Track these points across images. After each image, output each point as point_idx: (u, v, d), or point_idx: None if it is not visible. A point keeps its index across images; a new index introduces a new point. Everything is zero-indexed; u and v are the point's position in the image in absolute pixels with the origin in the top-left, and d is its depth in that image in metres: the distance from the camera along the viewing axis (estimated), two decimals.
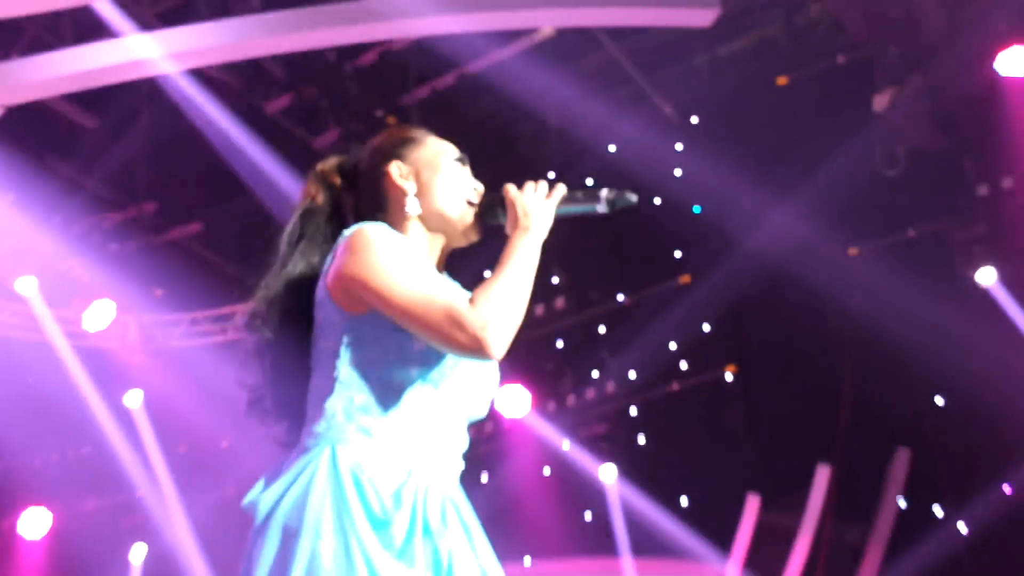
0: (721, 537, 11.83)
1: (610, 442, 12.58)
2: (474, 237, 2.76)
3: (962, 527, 10.92)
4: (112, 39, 9.47)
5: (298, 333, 2.66)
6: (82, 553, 13.57)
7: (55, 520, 13.34)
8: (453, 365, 2.61)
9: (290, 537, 2.36)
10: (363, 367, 2.53)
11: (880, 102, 10.66)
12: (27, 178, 10.92)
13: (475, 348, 2.42)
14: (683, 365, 12.49)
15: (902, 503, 11.34)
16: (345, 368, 2.53)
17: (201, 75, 10.51)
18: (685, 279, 11.96)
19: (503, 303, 2.48)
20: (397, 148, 2.80)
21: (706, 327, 12.41)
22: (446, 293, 2.48)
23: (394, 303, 2.46)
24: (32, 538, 13.27)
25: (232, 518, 11.26)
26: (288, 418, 2.72)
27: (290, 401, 2.69)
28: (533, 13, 9.98)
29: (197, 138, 11.03)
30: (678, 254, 12.06)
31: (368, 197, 2.79)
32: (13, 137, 10.15)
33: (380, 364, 2.53)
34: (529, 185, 2.71)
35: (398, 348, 2.51)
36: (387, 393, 2.52)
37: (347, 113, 11.57)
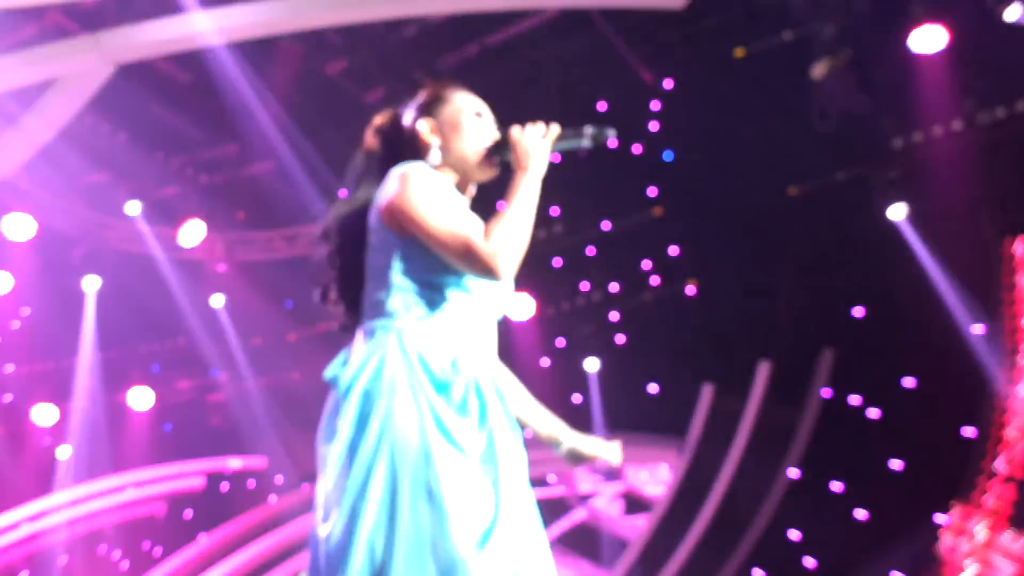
0: (682, 418, 12.10)
1: (595, 341, 12.70)
2: (491, 174, 2.78)
3: (873, 412, 11.30)
4: (192, 12, 9.40)
5: (357, 245, 2.71)
6: (177, 422, 13.91)
7: (156, 396, 13.57)
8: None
9: (369, 398, 2.44)
10: (413, 275, 2.58)
11: (817, 71, 10.65)
12: (136, 122, 10.99)
13: (487, 273, 2.51)
14: (654, 280, 12.58)
15: (826, 393, 11.58)
16: (399, 276, 2.58)
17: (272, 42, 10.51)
18: (658, 211, 11.98)
19: (509, 236, 2.52)
20: (429, 106, 2.82)
21: (673, 250, 12.42)
22: (466, 226, 2.53)
23: (425, 232, 2.53)
24: (139, 410, 13.53)
25: (295, 398, 11.59)
26: (348, 307, 2.79)
27: (351, 296, 2.75)
28: None
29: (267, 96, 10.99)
30: (652, 192, 12.03)
31: (408, 145, 2.80)
32: (126, 89, 10.12)
33: (426, 273, 2.58)
34: (529, 126, 2.71)
35: (438, 262, 2.57)
36: (433, 295, 2.58)
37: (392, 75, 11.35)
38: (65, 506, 12.71)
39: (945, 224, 11.00)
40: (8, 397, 12.75)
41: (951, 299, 10.92)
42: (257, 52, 10.37)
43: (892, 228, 11.14)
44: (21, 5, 9.19)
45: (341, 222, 2.82)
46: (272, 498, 13.61)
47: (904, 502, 11.11)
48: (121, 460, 13.43)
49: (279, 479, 13.57)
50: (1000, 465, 10.77)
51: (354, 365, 2.54)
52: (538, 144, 2.65)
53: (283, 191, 11.76)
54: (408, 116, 2.84)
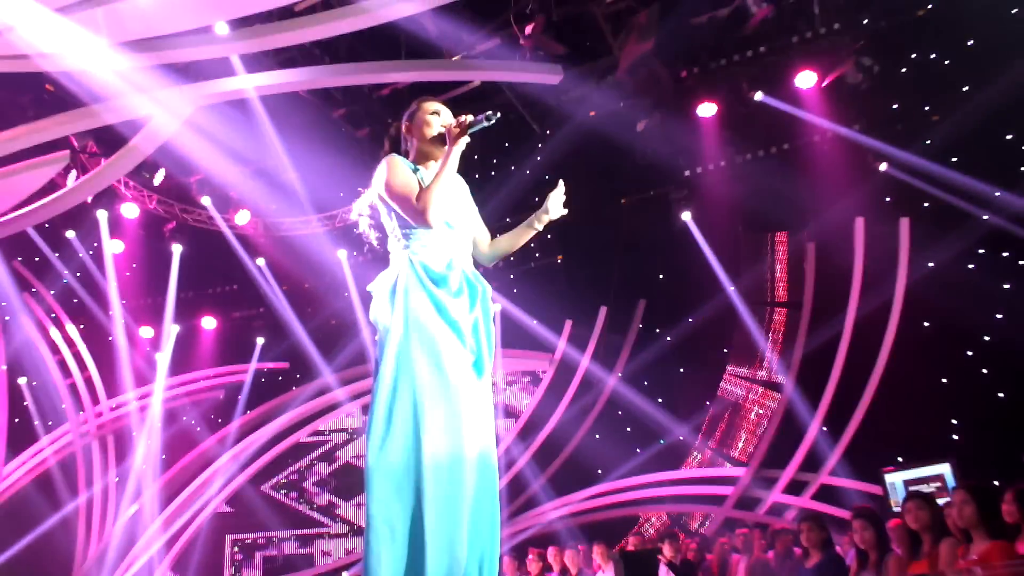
0: (552, 341, 12.53)
1: (498, 292, 11.86)
2: (444, 150, 2.68)
3: (669, 338, 12.01)
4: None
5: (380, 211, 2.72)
6: (232, 340, 14.31)
7: (218, 323, 14.26)
8: (459, 214, 2.72)
9: (393, 293, 2.46)
10: (404, 222, 2.62)
11: (640, 126, 11.07)
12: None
13: (422, 222, 2.53)
14: (537, 253, 12.77)
15: (639, 327, 12.29)
16: (396, 224, 2.64)
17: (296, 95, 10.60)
18: None
19: (432, 195, 2.52)
20: (409, 116, 2.84)
21: (549, 235, 12.37)
22: (410, 193, 2.53)
23: (391, 198, 2.60)
24: (207, 330, 14.21)
25: (307, 323, 12.09)
26: (381, 246, 2.78)
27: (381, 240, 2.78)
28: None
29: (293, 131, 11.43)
30: (537, 197, 12.30)
31: (400, 140, 2.87)
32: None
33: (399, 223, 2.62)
34: (464, 118, 2.69)
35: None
36: (420, 233, 2.58)
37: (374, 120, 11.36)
38: (162, 390, 13.10)
39: (714, 224, 11.94)
40: (123, 321, 12.94)
41: (717, 268, 11.79)
42: (287, 100, 10.61)
43: (683, 226, 12.02)
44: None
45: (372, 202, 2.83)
46: (293, 388, 13.93)
47: (687, 394, 12.07)
48: (196, 362, 13.92)
49: (297, 376, 13.98)
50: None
51: (383, 278, 2.57)
52: (456, 130, 2.66)
53: (298, 193, 12.26)
54: (399, 126, 2.90)
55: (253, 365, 13.80)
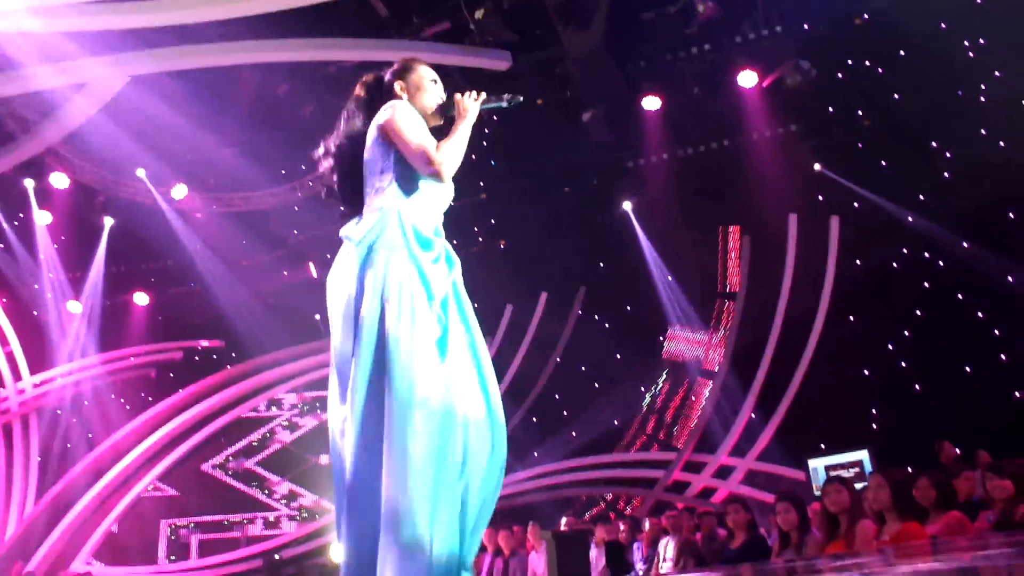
0: (493, 325, 12.41)
1: None
2: (438, 123, 2.61)
3: (605, 325, 12.61)
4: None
5: (355, 160, 2.56)
6: (166, 317, 13.81)
7: (151, 299, 13.78)
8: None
9: (374, 250, 2.35)
10: (402, 175, 2.45)
11: (586, 117, 11.20)
12: (145, 119, 10.60)
13: (436, 175, 2.40)
14: (480, 238, 12.91)
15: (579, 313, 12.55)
16: (392, 173, 2.45)
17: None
18: (483, 196, 12.21)
19: (452, 153, 2.42)
20: (401, 73, 2.65)
21: (492, 221, 12.86)
22: (428, 142, 2.41)
23: (403, 143, 2.43)
24: (140, 305, 13.77)
25: (245, 301, 11.77)
26: (346, 201, 2.62)
27: (348, 193, 2.61)
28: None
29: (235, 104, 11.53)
30: (481, 183, 12.13)
31: (385, 96, 2.62)
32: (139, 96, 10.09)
33: (412, 174, 2.45)
34: (468, 93, 2.59)
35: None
36: (416, 189, 2.46)
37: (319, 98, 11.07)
38: (89, 367, 12.83)
39: (654, 215, 12.22)
40: (49, 295, 12.59)
41: (653, 257, 12.17)
42: (229, 73, 10.42)
43: (625, 215, 12.36)
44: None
45: (340, 144, 2.65)
46: (227, 367, 13.68)
47: (623, 380, 12.21)
48: (126, 339, 13.50)
49: (232, 355, 13.73)
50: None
51: (365, 227, 2.41)
52: (471, 103, 2.57)
53: (241, 168, 12.00)
54: (388, 79, 2.67)
55: (188, 344, 13.64)
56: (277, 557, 12.16)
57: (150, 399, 13.39)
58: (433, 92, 2.64)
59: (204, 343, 13.82)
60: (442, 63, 9.94)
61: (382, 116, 2.50)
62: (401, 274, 2.31)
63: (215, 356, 13.90)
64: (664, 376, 12.20)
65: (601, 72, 11.16)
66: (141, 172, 11.88)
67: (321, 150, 2.69)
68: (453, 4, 9.86)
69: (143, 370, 13.67)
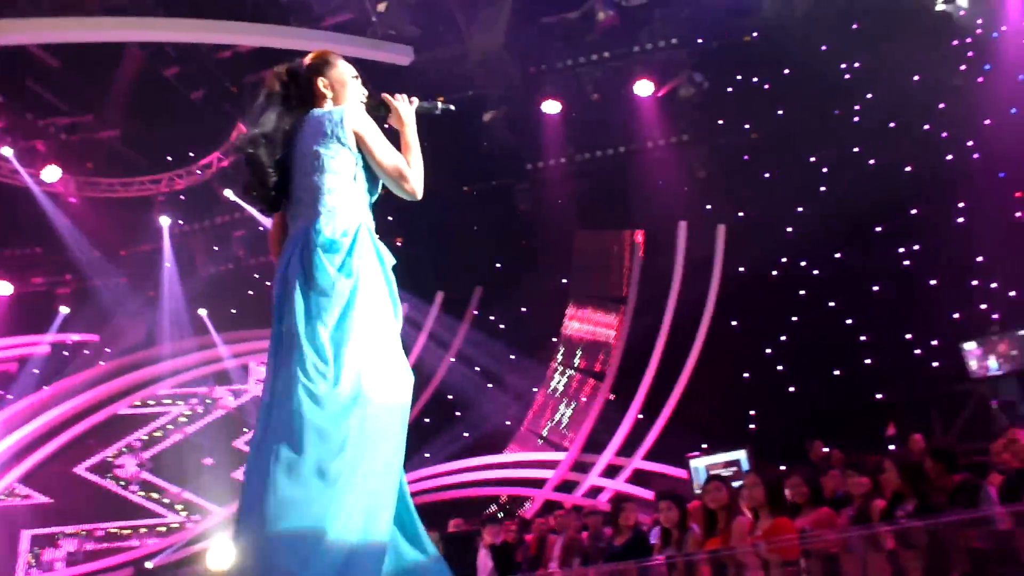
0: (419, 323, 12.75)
1: None
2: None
3: (502, 324, 12.55)
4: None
5: (282, 153, 2.46)
6: (31, 308, 12.87)
7: (14, 288, 12.71)
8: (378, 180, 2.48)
9: (351, 253, 2.28)
10: (366, 179, 2.40)
11: (487, 117, 11.45)
12: (15, 90, 10.18)
13: (411, 193, 2.40)
14: None
15: (475, 311, 12.55)
16: (349, 178, 2.37)
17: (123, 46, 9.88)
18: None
19: (420, 171, 2.42)
20: (321, 67, 2.55)
21: (389, 218, 12.82)
22: (403, 163, 2.40)
23: (375, 161, 2.38)
24: (2, 295, 12.67)
25: (119, 294, 11.09)
26: (271, 194, 2.47)
27: (275, 187, 2.46)
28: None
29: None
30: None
31: (306, 93, 2.54)
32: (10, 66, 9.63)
33: (372, 180, 2.42)
34: (399, 96, 2.58)
35: (374, 173, 2.41)
36: (372, 193, 2.43)
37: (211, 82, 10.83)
38: None
39: (551, 218, 12.29)
40: None
41: (545, 259, 12.33)
42: (112, 49, 9.89)
43: (522, 216, 12.32)
44: None
45: (269, 137, 2.46)
46: (101, 363, 12.93)
47: (516, 380, 12.32)
48: None
49: (107, 350, 13.02)
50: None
51: (336, 227, 2.32)
52: (407, 109, 2.56)
53: (123, 153, 11.48)
54: (305, 72, 2.57)
55: (53, 336, 12.82)
56: (149, 566, 11.52)
57: (9, 397, 12.49)
58: (356, 89, 2.59)
59: (75, 337, 12.99)
60: (344, 54, 9.89)
61: (340, 119, 2.40)
62: (371, 270, 2.30)
63: (88, 351, 13.06)
64: (556, 377, 12.33)
65: (502, 73, 11.23)
66: (7, 151, 11.05)
67: (242, 141, 2.51)
68: None
69: (3, 364, 12.72)
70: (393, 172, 2.41)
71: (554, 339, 12.41)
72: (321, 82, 2.55)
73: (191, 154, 12.04)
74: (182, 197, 12.45)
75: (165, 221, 12.55)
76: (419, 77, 10.78)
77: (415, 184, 2.43)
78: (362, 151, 2.41)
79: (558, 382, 12.32)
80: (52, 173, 11.34)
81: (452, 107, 2.66)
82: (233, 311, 12.93)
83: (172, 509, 12.46)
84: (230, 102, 11.33)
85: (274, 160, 2.44)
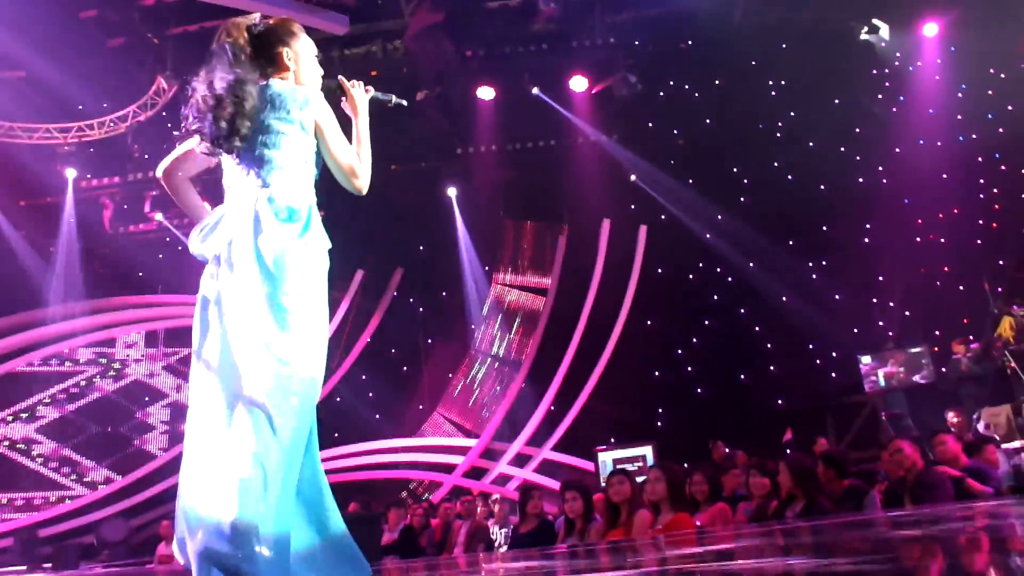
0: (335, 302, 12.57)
1: None
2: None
3: (420, 310, 12.73)
4: None
5: (239, 109, 2.29)
6: None
7: None
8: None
9: (300, 213, 2.25)
10: (309, 164, 2.33)
11: (419, 97, 11.48)
12: None
13: (358, 188, 2.38)
14: None
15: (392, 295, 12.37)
16: (302, 161, 2.31)
17: None
18: None
19: (369, 167, 2.40)
20: (286, 37, 2.45)
21: None
22: (355, 161, 2.38)
23: (330, 154, 2.35)
24: None
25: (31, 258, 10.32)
26: (219, 142, 2.30)
27: (229, 143, 2.30)
28: None
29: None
30: None
31: (266, 57, 2.40)
32: None
33: (316, 163, 2.34)
34: (356, 82, 2.53)
35: (319, 159, 2.35)
36: (311, 175, 2.35)
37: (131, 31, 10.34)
38: None
39: (478, 204, 12.41)
40: None
41: (468, 245, 12.33)
42: None
43: (448, 202, 12.41)
44: None
45: (232, 89, 2.29)
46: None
47: (432, 365, 12.30)
48: None
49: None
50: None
51: (287, 198, 2.27)
52: (363, 98, 2.50)
53: (28, 97, 10.78)
54: (270, 35, 2.44)
55: None
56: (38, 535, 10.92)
57: None
58: (314, 67, 2.50)
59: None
60: (276, 16, 9.67)
61: (305, 103, 2.32)
62: (319, 255, 2.27)
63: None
64: (471, 364, 12.36)
65: (439, 53, 11.11)
66: None
67: (202, 87, 2.32)
68: None
69: None
70: (346, 169, 2.37)
71: (472, 326, 12.40)
72: (286, 52, 2.44)
73: (104, 104, 11.41)
74: (91, 150, 11.80)
75: (71, 173, 11.87)
76: (353, 47, 10.84)
77: (363, 181, 2.40)
78: (318, 138, 2.36)
79: (474, 369, 12.32)
80: None
81: (405, 102, 2.61)
82: (140, 274, 12.35)
83: (69, 478, 11.80)
84: (152, 55, 10.85)
85: (231, 113, 2.29)
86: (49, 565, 9.95)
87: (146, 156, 11.81)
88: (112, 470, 11.71)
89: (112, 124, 11.49)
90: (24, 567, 9.81)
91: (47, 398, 12.01)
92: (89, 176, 12.18)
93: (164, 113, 11.26)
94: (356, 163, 2.39)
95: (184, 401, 11.76)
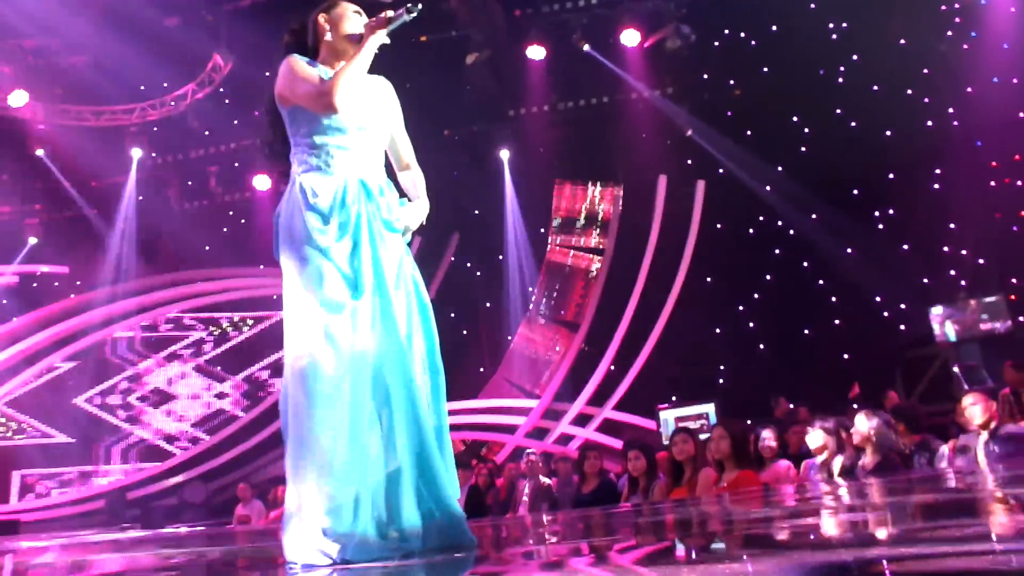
0: None
1: None
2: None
3: (478, 272, 12.75)
4: None
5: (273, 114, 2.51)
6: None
7: None
8: (375, 117, 2.51)
9: (278, 223, 2.42)
10: (301, 137, 2.43)
11: (469, 60, 11.38)
12: None
13: (328, 105, 2.33)
14: None
15: (451, 258, 12.79)
16: (293, 139, 2.44)
17: None
18: None
19: (344, 79, 2.33)
20: (324, 8, 2.57)
21: None
22: (315, 80, 2.37)
23: (293, 95, 2.39)
24: None
25: (92, 230, 10.78)
26: (273, 155, 2.58)
27: (273, 147, 2.57)
28: None
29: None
30: None
31: (312, 35, 2.55)
32: None
33: (309, 136, 2.41)
34: (373, 19, 2.46)
35: (316, 123, 2.41)
36: (318, 151, 2.40)
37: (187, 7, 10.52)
38: None
39: (531, 167, 12.27)
40: None
41: (519, 209, 12.29)
42: None
43: (501, 165, 12.34)
44: None
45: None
46: (72, 295, 12.67)
47: (491, 328, 12.45)
48: None
49: (77, 283, 12.73)
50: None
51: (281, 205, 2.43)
52: (376, 25, 2.44)
53: (93, 80, 11.07)
54: (312, 16, 2.60)
55: (25, 268, 12.50)
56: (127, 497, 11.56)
57: None
58: (355, 21, 2.54)
59: (44, 268, 12.65)
60: None
61: (278, 80, 2.45)
62: (297, 238, 2.36)
63: (57, 283, 12.78)
64: (530, 325, 12.37)
65: (488, 15, 11.04)
66: None
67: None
68: None
69: None
70: (305, 95, 2.39)
71: (531, 288, 12.39)
72: (322, 17, 2.57)
73: (164, 84, 11.67)
74: (155, 129, 12.12)
75: (136, 153, 12.24)
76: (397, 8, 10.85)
77: (332, 94, 2.34)
78: (287, 96, 2.43)
79: (532, 330, 12.34)
80: (19, 98, 10.98)
81: (419, 6, 2.48)
82: (207, 248, 12.71)
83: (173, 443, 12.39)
84: (206, 31, 11.01)
85: (269, 123, 2.57)
86: (136, 525, 10.46)
87: (206, 132, 12.06)
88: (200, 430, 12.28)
89: (172, 103, 11.75)
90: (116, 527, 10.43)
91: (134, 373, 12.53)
92: (154, 155, 12.53)
93: (222, 89, 11.49)
94: (315, 85, 2.37)
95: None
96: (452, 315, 12.11)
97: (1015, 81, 10.50)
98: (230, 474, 11.50)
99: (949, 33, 11.02)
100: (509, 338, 12.35)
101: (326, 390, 2.21)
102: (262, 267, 12.16)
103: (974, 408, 4.77)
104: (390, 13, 2.47)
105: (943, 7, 11.00)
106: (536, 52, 11.35)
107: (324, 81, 2.36)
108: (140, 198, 12.49)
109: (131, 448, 12.30)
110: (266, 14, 9.85)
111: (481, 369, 12.25)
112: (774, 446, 5.30)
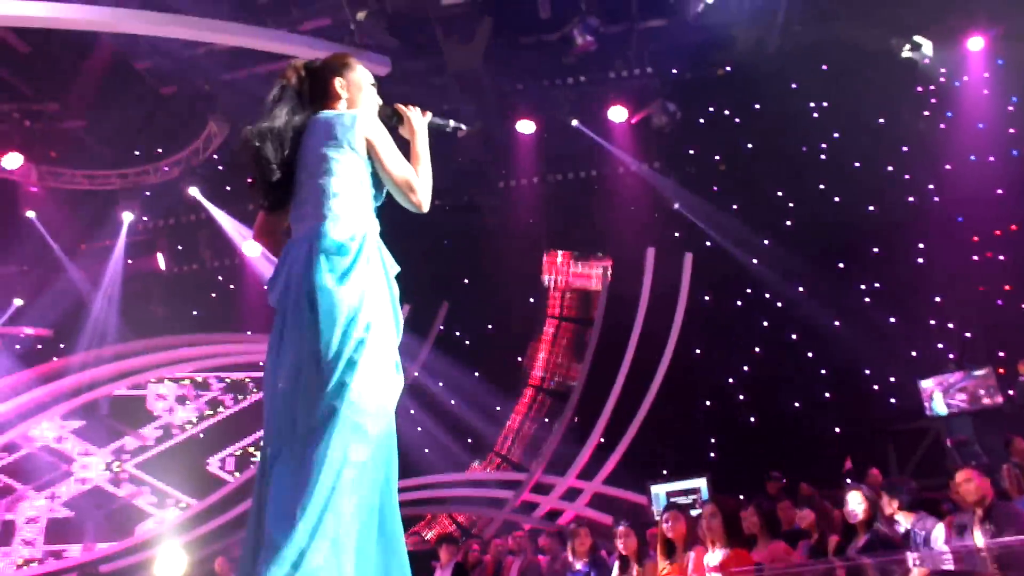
0: None
1: None
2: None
3: (465, 341, 12.61)
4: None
5: (291, 150, 2.35)
6: None
7: None
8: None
9: (350, 246, 2.19)
10: (365, 185, 2.29)
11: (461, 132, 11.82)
12: None
13: (418, 205, 2.36)
14: None
15: (440, 326, 12.58)
16: (356, 183, 2.28)
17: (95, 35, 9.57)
18: None
19: (429, 183, 2.39)
20: (340, 68, 2.49)
21: None
22: (412, 175, 2.35)
23: (385, 171, 2.31)
24: None
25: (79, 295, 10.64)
26: (274, 191, 2.36)
27: (280, 184, 2.33)
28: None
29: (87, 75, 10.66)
30: None
31: (320, 91, 2.46)
32: None
33: (373, 184, 2.32)
34: (412, 107, 2.54)
35: (380, 181, 2.32)
36: (369, 199, 2.33)
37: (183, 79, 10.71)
38: None
39: (520, 236, 12.15)
40: None
41: (511, 279, 11.94)
42: (83, 38, 9.58)
43: (492, 233, 12.08)
44: None
45: (277, 131, 2.37)
46: (54, 359, 12.53)
47: (480, 399, 11.91)
48: None
49: (60, 346, 12.62)
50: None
51: (344, 231, 2.22)
52: (420, 121, 2.51)
53: (88, 144, 11.14)
54: (323, 70, 2.49)
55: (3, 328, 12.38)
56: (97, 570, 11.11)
57: None
58: (371, 95, 2.53)
59: (28, 330, 12.54)
60: (307, 55, 9.87)
61: (352, 123, 2.31)
62: (377, 284, 2.21)
63: (40, 346, 12.65)
64: (519, 397, 12.21)
65: (479, 89, 11.20)
66: None
67: (250, 134, 2.36)
68: (335, 1, 9.57)
69: None
70: (402, 184, 2.35)
71: (519, 359, 12.28)
72: (338, 82, 2.48)
73: (159, 150, 11.78)
74: (147, 193, 12.17)
75: (127, 216, 12.24)
76: (395, 88, 11.00)
77: (422, 196, 2.38)
78: (371, 158, 2.33)
79: (521, 402, 12.17)
80: (14, 160, 10.97)
81: (464, 127, 2.62)
82: (195, 313, 12.61)
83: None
84: (202, 100, 11.15)
85: (280, 157, 2.34)
86: None
87: (199, 199, 12.11)
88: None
89: (166, 169, 11.83)
90: None
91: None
92: (145, 219, 12.54)
93: (215, 156, 11.59)
94: (412, 177, 2.36)
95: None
96: (440, 384, 12.07)
97: (991, 159, 10.75)
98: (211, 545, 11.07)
99: (926, 113, 11.33)
100: (497, 409, 12.14)
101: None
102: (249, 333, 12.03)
103: (967, 485, 4.66)
104: (429, 115, 2.52)
105: (919, 88, 11.33)
106: (526, 126, 11.55)
107: (419, 184, 2.37)
108: (129, 261, 12.44)
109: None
110: (261, 85, 9.96)
111: (469, 440, 12.01)
112: (757, 522, 5.10)
